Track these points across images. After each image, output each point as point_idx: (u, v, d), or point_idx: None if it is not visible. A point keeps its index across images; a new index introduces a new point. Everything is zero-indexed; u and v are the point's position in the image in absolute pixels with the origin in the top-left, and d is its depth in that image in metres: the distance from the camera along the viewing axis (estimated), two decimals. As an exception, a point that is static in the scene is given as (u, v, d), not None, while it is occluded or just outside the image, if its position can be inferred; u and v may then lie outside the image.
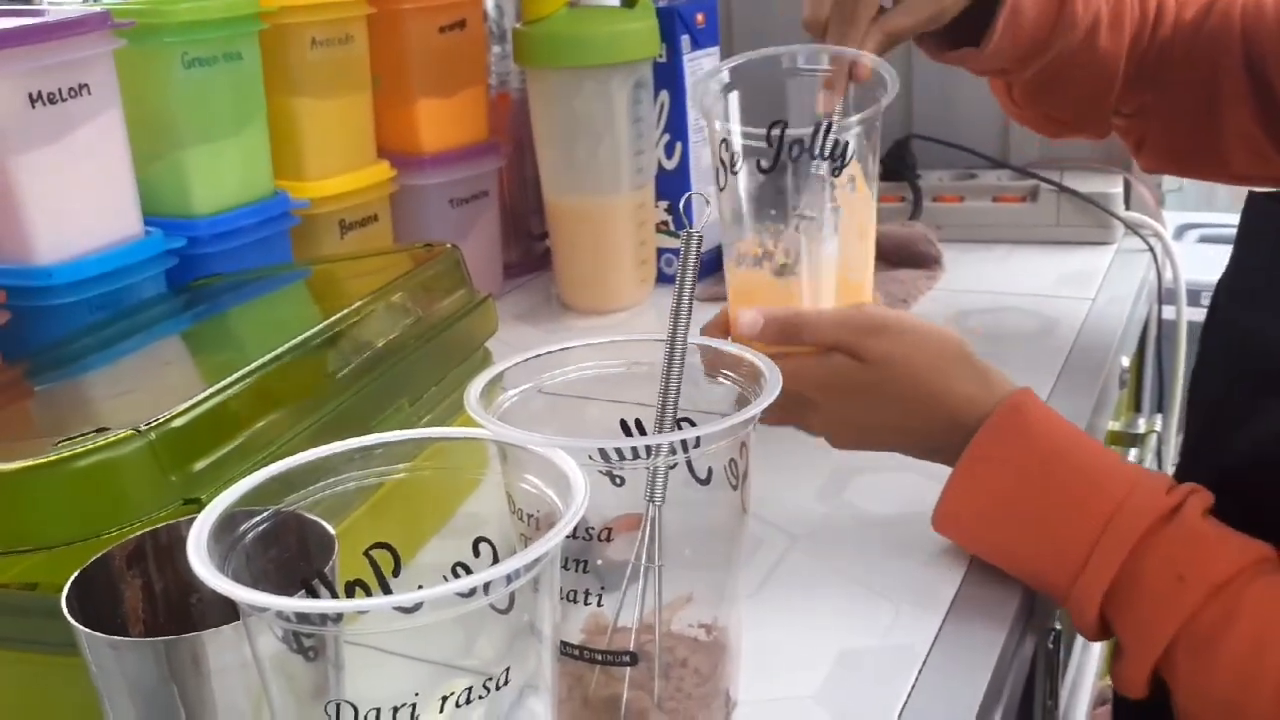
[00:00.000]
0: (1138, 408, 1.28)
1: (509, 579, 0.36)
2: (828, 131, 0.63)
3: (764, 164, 0.65)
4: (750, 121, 0.66)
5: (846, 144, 0.64)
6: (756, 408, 0.47)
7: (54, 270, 0.74)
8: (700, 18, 1.09)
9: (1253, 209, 0.66)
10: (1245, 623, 0.53)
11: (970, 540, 0.62)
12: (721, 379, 0.52)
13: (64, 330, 0.73)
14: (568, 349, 0.52)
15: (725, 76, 0.68)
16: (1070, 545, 0.57)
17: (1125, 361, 0.96)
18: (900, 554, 0.65)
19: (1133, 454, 1.09)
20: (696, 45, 1.09)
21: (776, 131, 0.64)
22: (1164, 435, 1.19)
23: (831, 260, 0.66)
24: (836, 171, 0.64)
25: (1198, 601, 0.54)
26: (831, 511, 0.71)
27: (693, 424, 0.50)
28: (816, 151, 0.63)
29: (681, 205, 0.52)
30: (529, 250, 1.20)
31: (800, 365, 0.62)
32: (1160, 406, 1.29)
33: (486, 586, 0.35)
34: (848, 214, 0.66)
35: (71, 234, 0.75)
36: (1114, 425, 1.01)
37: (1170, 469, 1.22)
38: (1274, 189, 0.66)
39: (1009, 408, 0.60)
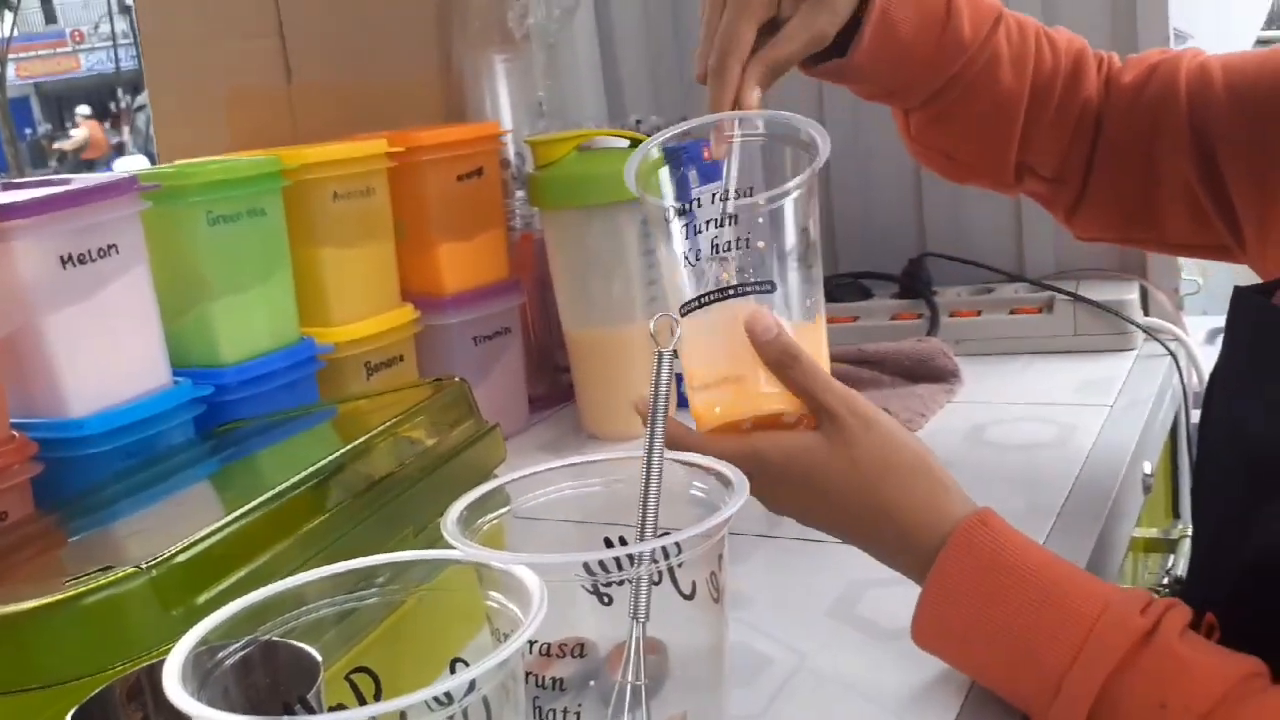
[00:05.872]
0: (1177, 513, 1.26)
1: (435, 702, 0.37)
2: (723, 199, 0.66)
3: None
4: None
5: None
6: (730, 510, 0.49)
7: (85, 422, 0.77)
8: (707, 153, 1.13)
9: (1235, 302, 0.66)
10: None
11: (947, 656, 0.61)
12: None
13: (95, 477, 0.76)
14: (540, 471, 0.53)
15: (654, 153, 0.70)
16: (1045, 669, 0.55)
17: (1148, 467, 0.95)
18: (912, 669, 0.64)
19: (1169, 560, 1.07)
20: (705, 179, 1.13)
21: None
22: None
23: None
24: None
25: None
26: (841, 627, 0.70)
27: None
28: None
29: (653, 326, 0.54)
30: (555, 383, 1.22)
31: (773, 436, 0.62)
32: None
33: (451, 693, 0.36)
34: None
35: (102, 387, 0.79)
36: (1143, 532, 0.99)
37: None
38: (1209, 260, 0.66)
39: (963, 532, 0.58)
